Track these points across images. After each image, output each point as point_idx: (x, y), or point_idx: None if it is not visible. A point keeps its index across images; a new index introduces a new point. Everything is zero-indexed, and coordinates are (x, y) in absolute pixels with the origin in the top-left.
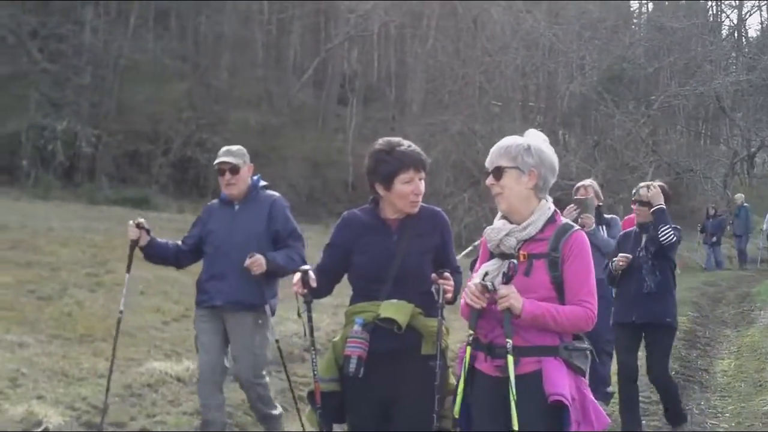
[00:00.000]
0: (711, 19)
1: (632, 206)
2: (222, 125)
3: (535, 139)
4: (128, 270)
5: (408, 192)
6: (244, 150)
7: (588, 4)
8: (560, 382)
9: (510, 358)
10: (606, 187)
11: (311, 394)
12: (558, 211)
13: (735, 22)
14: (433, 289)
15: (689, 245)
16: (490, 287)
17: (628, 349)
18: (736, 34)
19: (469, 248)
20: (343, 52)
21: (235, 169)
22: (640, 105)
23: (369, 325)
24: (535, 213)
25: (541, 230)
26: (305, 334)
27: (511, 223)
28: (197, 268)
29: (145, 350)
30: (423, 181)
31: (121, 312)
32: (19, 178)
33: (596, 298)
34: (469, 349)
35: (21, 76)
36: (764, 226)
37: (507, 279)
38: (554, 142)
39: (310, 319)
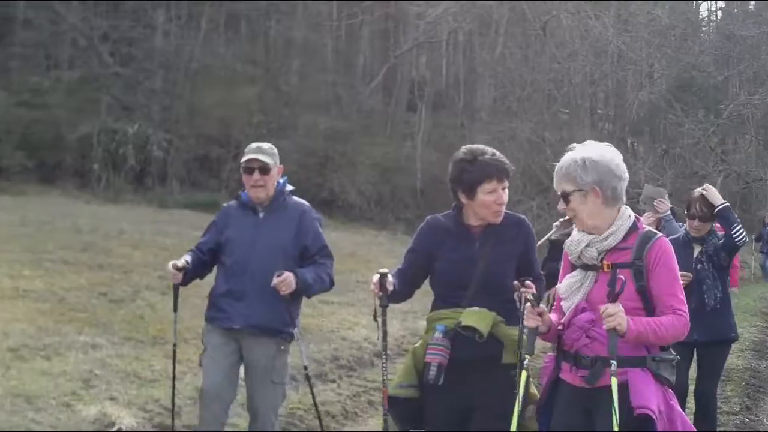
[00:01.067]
0: None
1: (689, 221)
2: (291, 129)
3: (590, 150)
4: (175, 309)
5: (490, 202)
6: (275, 149)
7: (657, 12)
8: (647, 395)
9: (614, 381)
10: (674, 196)
11: (392, 400)
12: (639, 218)
13: None
14: (515, 296)
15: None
16: (534, 301)
17: (681, 368)
18: None
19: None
20: (412, 58)
21: (265, 169)
22: (710, 113)
23: (450, 332)
24: (615, 223)
25: (624, 239)
26: (378, 339)
27: (590, 234)
28: None
29: None
30: (506, 191)
31: (175, 345)
32: (90, 181)
33: (685, 302)
34: (524, 375)
35: (92, 80)
36: None
37: (614, 297)
38: (623, 151)
39: (384, 323)
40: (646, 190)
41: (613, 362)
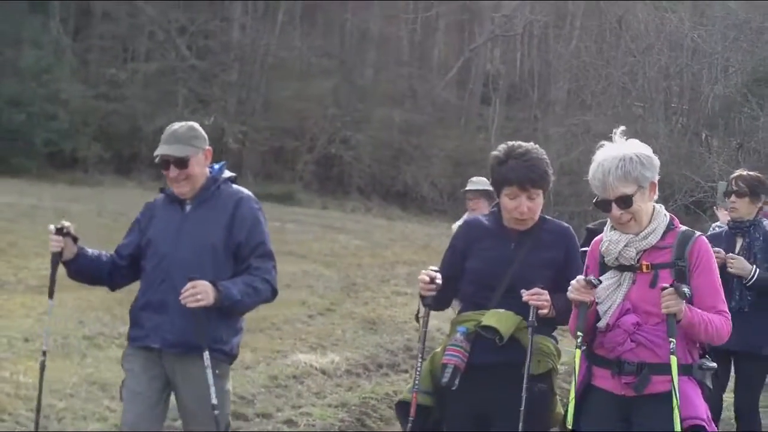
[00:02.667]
0: None
1: (728, 199)
2: (366, 122)
3: (631, 146)
4: (50, 295)
5: (510, 208)
6: (197, 129)
7: (733, 5)
8: (697, 405)
9: (674, 359)
10: None
11: (402, 405)
12: (673, 216)
13: None
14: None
15: None
16: (595, 282)
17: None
18: None
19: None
20: (487, 51)
21: (182, 163)
22: None
23: (471, 334)
24: (653, 221)
25: (662, 238)
26: (419, 340)
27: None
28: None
29: (291, 342)
30: (536, 200)
31: (44, 354)
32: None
33: (726, 303)
34: (578, 353)
35: (169, 72)
36: None
37: (678, 283)
38: (697, 144)
39: (426, 324)
40: (720, 186)
41: (672, 341)
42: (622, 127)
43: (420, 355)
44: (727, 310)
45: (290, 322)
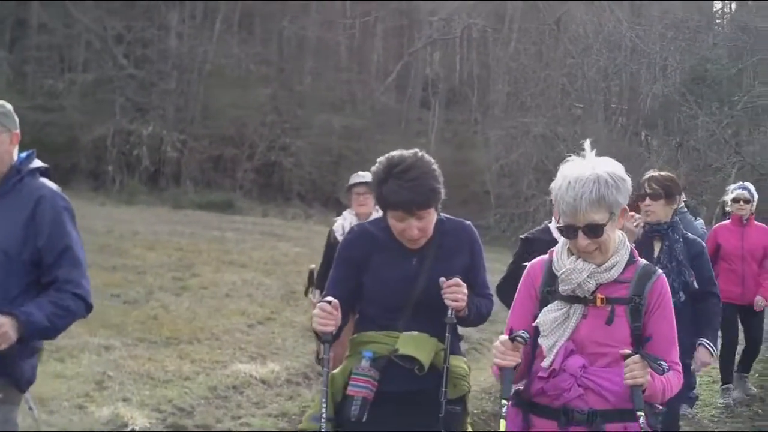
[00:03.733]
0: None
1: (641, 203)
2: (306, 129)
3: (607, 164)
4: None
5: (399, 230)
6: (5, 106)
7: (671, 4)
8: None
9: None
10: (689, 189)
11: None
12: (634, 249)
13: None
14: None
15: None
16: (523, 339)
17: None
18: None
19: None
20: (426, 55)
21: None
22: (724, 106)
23: (381, 360)
24: (617, 252)
25: (622, 271)
26: (323, 384)
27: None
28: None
29: (231, 353)
30: (426, 218)
31: None
32: (105, 183)
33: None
34: (503, 424)
35: (107, 82)
36: None
37: (640, 342)
38: (636, 144)
39: (328, 364)
40: None
41: (641, 415)
42: (589, 139)
43: (323, 400)
44: (680, 364)
45: (230, 332)
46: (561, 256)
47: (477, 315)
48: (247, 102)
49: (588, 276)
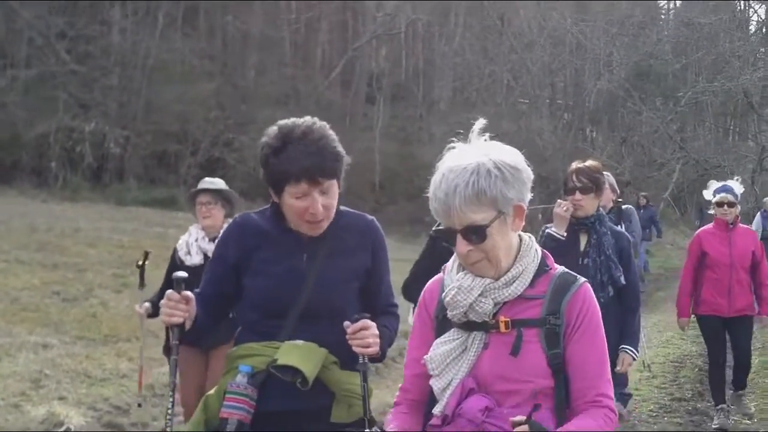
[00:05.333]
0: (739, 14)
1: (569, 197)
2: (250, 124)
3: (496, 149)
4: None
5: (300, 210)
6: None
7: (615, 0)
8: None
9: None
10: (633, 184)
11: None
12: (546, 252)
13: (763, 17)
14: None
15: None
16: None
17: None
18: (764, 30)
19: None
20: (371, 50)
21: None
22: (668, 101)
23: (259, 375)
24: (519, 260)
25: (531, 284)
26: (170, 382)
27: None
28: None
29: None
30: (330, 193)
31: None
32: (47, 179)
33: (613, 386)
34: None
35: (49, 78)
36: (752, 227)
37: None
38: (582, 139)
39: (175, 349)
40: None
41: None
42: (482, 120)
43: (171, 393)
44: (612, 397)
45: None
46: (451, 273)
47: (389, 343)
48: (190, 97)
49: (480, 295)
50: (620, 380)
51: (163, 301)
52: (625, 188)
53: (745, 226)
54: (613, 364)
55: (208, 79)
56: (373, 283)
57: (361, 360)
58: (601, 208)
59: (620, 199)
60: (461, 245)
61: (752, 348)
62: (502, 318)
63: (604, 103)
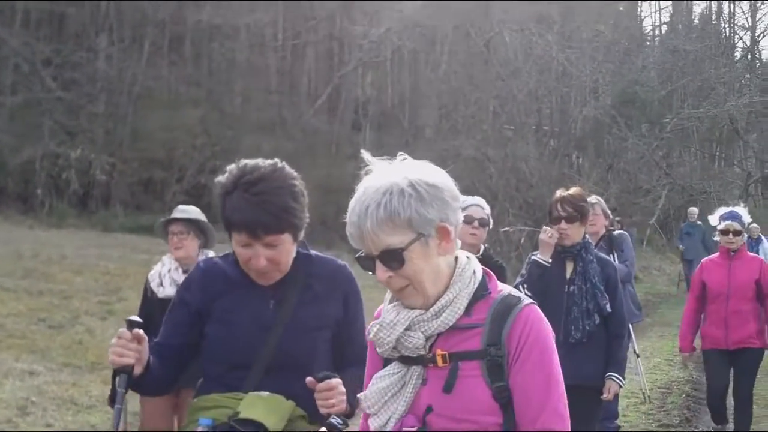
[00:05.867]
0: (724, 41)
1: (555, 226)
2: (235, 151)
3: (415, 168)
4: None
5: (243, 258)
6: None
7: (600, 27)
8: None
9: None
10: (619, 210)
11: None
12: (490, 273)
13: (748, 44)
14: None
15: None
16: (336, 424)
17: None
18: (749, 56)
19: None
20: (357, 78)
21: None
22: (654, 128)
23: (220, 428)
24: (452, 286)
25: (467, 311)
26: None
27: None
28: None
29: None
30: (279, 247)
31: None
32: (33, 206)
33: (567, 417)
34: None
35: (35, 105)
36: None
37: None
38: (568, 166)
39: (120, 398)
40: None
41: None
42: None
43: None
44: (563, 425)
45: None
46: (386, 304)
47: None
48: (176, 124)
49: (408, 329)
50: (609, 412)
51: (112, 340)
52: (612, 214)
53: (752, 254)
54: (601, 392)
55: (194, 106)
56: (345, 332)
57: (329, 420)
58: (587, 236)
59: (612, 227)
60: (380, 271)
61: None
62: (438, 351)
63: (590, 129)
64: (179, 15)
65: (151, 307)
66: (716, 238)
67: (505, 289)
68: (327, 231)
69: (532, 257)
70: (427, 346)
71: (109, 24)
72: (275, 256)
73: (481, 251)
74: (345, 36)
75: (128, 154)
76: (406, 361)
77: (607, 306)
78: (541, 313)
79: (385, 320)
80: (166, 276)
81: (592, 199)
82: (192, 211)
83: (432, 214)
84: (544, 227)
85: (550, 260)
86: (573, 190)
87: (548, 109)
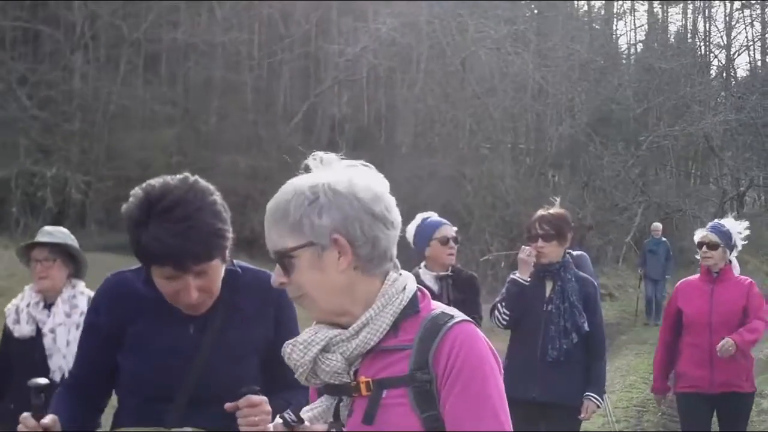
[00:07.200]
0: (699, 59)
1: (532, 244)
2: (211, 170)
3: (333, 173)
4: None
5: (170, 292)
6: None
7: (576, 46)
8: None
9: None
10: (595, 228)
11: None
12: (423, 290)
13: (723, 62)
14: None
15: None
16: (289, 419)
17: None
18: (724, 74)
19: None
20: (333, 96)
21: None
22: (629, 146)
23: None
24: (376, 301)
25: (394, 331)
26: None
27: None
28: None
29: None
30: (210, 273)
31: None
32: (8, 225)
33: None
34: None
35: (10, 123)
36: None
37: None
38: (543, 185)
39: None
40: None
41: None
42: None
43: None
44: None
45: None
46: (306, 331)
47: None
48: (152, 143)
49: (324, 350)
50: None
51: (19, 427)
52: (587, 232)
53: (742, 276)
54: (578, 411)
55: (169, 124)
56: (277, 354)
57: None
58: (568, 257)
59: (569, 249)
60: (275, 275)
61: None
62: (362, 378)
63: (565, 147)
64: (155, 34)
65: (8, 346)
66: (697, 256)
67: (438, 307)
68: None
69: (511, 276)
70: (351, 372)
71: (84, 43)
72: (206, 284)
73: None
74: (321, 54)
75: (103, 172)
76: (332, 390)
77: (585, 325)
78: (477, 330)
79: (299, 339)
80: (23, 311)
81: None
82: (59, 234)
83: (325, 222)
84: (523, 247)
85: (529, 279)
86: (554, 210)
87: (524, 127)
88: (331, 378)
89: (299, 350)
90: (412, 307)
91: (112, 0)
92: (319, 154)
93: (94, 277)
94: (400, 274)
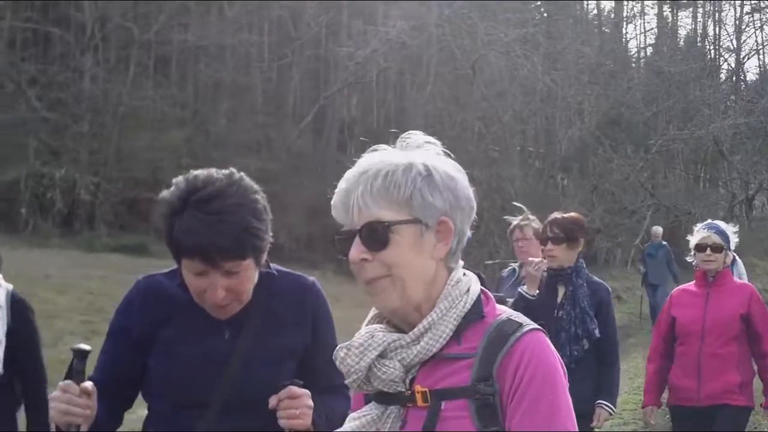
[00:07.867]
0: (709, 63)
1: (543, 247)
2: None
3: (435, 157)
4: None
5: (197, 289)
6: None
7: (585, 49)
8: None
9: None
10: (604, 231)
11: None
12: (488, 293)
13: (733, 66)
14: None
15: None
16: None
17: None
18: (734, 78)
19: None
20: (343, 98)
21: None
22: (639, 149)
23: None
24: (438, 304)
25: (456, 337)
26: None
27: (391, 326)
28: None
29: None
30: (241, 274)
31: None
32: (18, 226)
33: None
34: None
35: (20, 124)
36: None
37: None
38: (552, 188)
39: None
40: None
41: None
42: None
43: None
44: None
45: None
46: (359, 333)
47: (329, 426)
48: (162, 145)
49: (381, 356)
50: None
51: (56, 393)
52: (596, 235)
53: (741, 281)
54: (590, 418)
55: (179, 126)
56: (315, 360)
57: None
58: (582, 260)
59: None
60: (355, 250)
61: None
62: (418, 387)
63: (575, 150)
64: (165, 36)
65: None
66: (691, 259)
67: (504, 312)
68: (312, 251)
69: (519, 290)
70: (408, 381)
71: (94, 44)
72: (235, 285)
73: None
74: (331, 57)
75: (113, 174)
76: (384, 399)
77: (596, 331)
78: (546, 339)
79: (354, 343)
80: None
81: (523, 220)
82: None
83: (438, 202)
84: (530, 259)
85: (536, 293)
86: (569, 214)
87: (533, 130)
88: (385, 386)
89: (354, 355)
90: (476, 312)
91: (122, 1)
92: (410, 133)
93: (104, 278)
94: (464, 274)
